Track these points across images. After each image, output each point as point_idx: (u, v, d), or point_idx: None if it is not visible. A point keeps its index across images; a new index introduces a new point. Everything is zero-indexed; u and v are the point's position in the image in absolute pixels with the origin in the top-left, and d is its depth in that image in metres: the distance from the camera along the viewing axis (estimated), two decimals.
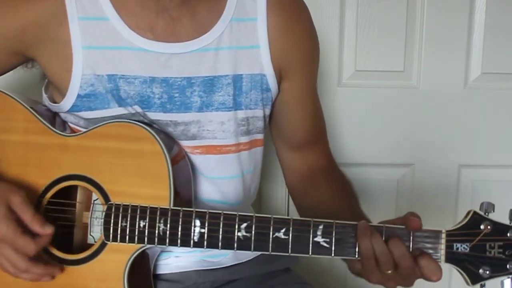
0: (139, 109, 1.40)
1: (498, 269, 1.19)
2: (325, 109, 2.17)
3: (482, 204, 1.22)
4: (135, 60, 1.39)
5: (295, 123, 1.57)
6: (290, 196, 1.67)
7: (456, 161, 2.28)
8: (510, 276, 1.20)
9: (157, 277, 1.46)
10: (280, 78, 1.49)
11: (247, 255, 1.55)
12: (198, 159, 1.45)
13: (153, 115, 1.41)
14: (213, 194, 1.48)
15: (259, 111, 1.48)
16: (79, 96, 1.39)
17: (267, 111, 1.51)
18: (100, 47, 1.38)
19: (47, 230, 1.27)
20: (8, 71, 1.50)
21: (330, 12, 2.19)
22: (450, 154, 2.27)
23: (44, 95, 1.50)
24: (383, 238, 1.21)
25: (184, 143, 1.44)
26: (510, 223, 1.20)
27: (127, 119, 1.37)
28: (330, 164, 1.63)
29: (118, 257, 1.31)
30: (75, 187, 1.39)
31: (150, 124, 1.40)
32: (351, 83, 2.24)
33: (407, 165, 2.29)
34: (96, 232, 1.37)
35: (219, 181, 1.48)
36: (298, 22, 1.51)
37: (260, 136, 1.53)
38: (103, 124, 1.36)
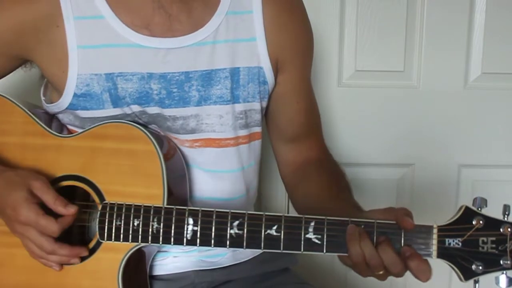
0: (134, 109, 1.41)
1: (491, 265, 1.19)
2: (325, 109, 2.19)
3: (475, 199, 1.22)
4: (132, 57, 1.39)
5: (290, 115, 1.57)
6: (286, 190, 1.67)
7: (456, 161, 2.28)
8: (504, 271, 1.19)
9: (154, 277, 1.46)
10: (276, 71, 1.50)
11: (245, 255, 1.55)
12: (198, 153, 1.46)
13: (152, 111, 1.41)
14: (213, 191, 1.48)
15: (256, 104, 1.49)
16: (75, 95, 1.40)
17: (264, 104, 1.52)
18: (96, 45, 1.39)
19: (71, 210, 1.29)
20: (7, 74, 1.51)
21: (330, 12, 2.19)
22: (450, 154, 2.27)
23: (42, 98, 1.51)
24: (374, 235, 1.21)
25: (184, 137, 1.44)
26: (503, 218, 1.20)
27: (122, 120, 1.38)
28: (324, 155, 1.63)
29: (113, 255, 1.32)
30: (74, 188, 1.39)
31: (144, 124, 1.41)
32: (351, 83, 2.24)
33: (407, 165, 2.29)
34: (93, 233, 1.37)
35: (219, 175, 1.48)
36: (293, 14, 1.52)
37: (258, 129, 1.53)
38: (98, 125, 1.37)
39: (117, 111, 1.41)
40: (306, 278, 1.64)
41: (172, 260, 1.48)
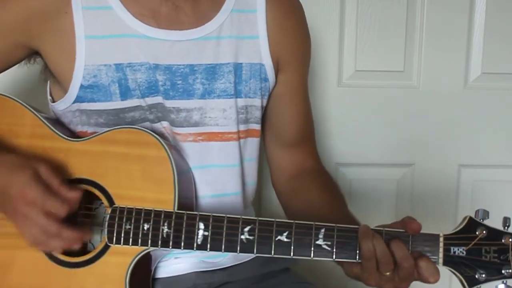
0: (143, 102, 1.42)
1: (494, 273, 1.21)
2: (325, 109, 2.20)
3: (477, 211, 1.24)
4: (139, 47, 1.41)
5: (288, 117, 1.59)
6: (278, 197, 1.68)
7: (456, 161, 2.29)
8: (505, 281, 1.21)
9: (155, 280, 1.46)
10: (277, 69, 1.52)
11: (246, 256, 1.54)
12: (201, 147, 1.46)
13: (156, 103, 1.42)
14: (215, 186, 1.49)
15: (257, 100, 1.51)
16: (82, 86, 1.40)
17: (265, 102, 1.54)
18: (104, 36, 1.40)
19: (75, 194, 1.28)
20: (13, 65, 1.50)
21: (330, 12, 2.20)
22: (450, 154, 2.28)
23: (49, 97, 1.52)
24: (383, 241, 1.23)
25: (187, 130, 1.45)
26: (504, 229, 1.22)
27: (133, 126, 1.38)
28: (318, 165, 1.65)
29: (121, 259, 1.32)
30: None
31: (151, 127, 1.42)
32: (351, 83, 2.25)
33: (407, 165, 2.30)
34: (96, 240, 1.38)
35: (221, 169, 1.49)
36: (294, 17, 1.56)
37: (257, 127, 1.54)
38: (109, 130, 1.37)
39: (125, 104, 1.42)
40: (307, 278, 1.64)
41: (174, 261, 1.48)
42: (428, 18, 2.20)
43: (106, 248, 1.33)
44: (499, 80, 2.24)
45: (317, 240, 1.24)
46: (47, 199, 1.25)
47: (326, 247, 1.24)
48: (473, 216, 1.24)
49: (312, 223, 1.25)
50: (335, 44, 2.21)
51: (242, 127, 1.50)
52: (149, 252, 1.33)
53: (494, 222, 1.24)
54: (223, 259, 1.52)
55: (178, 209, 1.31)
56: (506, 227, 1.22)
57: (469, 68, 2.24)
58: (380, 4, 2.19)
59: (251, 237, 1.26)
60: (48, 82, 1.52)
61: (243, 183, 1.55)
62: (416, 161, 2.29)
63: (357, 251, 1.23)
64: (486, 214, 1.23)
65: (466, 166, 2.30)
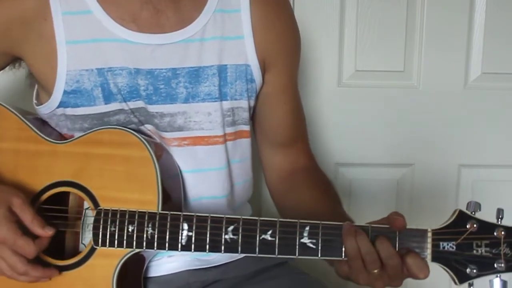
0: (125, 106, 1.41)
1: (486, 268, 1.19)
2: (325, 109, 2.19)
3: (469, 203, 1.22)
4: (120, 52, 1.39)
5: (277, 117, 1.58)
6: (271, 197, 1.67)
7: (456, 161, 2.28)
8: (498, 275, 1.19)
9: (148, 279, 1.46)
10: (264, 70, 1.51)
11: None
12: (186, 151, 1.46)
13: (139, 107, 1.42)
14: (201, 190, 1.48)
15: (244, 101, 1.49)
16: (65, 92, 1.40)
17: (252, 102, 1.52)
18: (85, 40, 1.39)
19: (48, 232, 1.28)
20: None
21: (330, 12, 2.19)
22: (450, 154, 2.27)
23: (34, 101, 1.51)
24: (369, 238, 1.21)
25: (171, 135, 1.44)
26: (497, 221, 1.20)
27: (116, 126, 1.38)
28: (311, 163, 1.63)
29: (107, 262, 1.31)
30: (68, 194, 1.39)
31: (137, 130, 1.41)
32: (351, 83, 2.24)
33: (407, 165, 2.29)
34: (87, 239, 1.37)
35: (207, 173, 1.48)
36: (280, 15, 1.53)
37: (246, 128, 1.53)
38: (92, 131, 1.37)
39: (109, 108, 1.41)
40: (305, 270, 1.64)
41: (167, 260, 1.48)
42: (428, 18, 2.19)
43: (92, 250, 1.32)
44: (499, 80, 2.23)
45: (302, 238, 1.23)
46: (18, 239, 1.25)
47: (311, 245, 1.22)
48: (464, 209, 1.21)
49: (297, 221, 1.24)
50: (335, 44, 2.21)
51: (230, 130, 1.49)
52: (137, 253, 1.32)
53: (494, 221, 1.22)
54: (217, 256, 1.52)
55: (163, 211, 1.30)
56: (499, 219, 1.20)
57: (469, 68, 2.23)
58: (380, 4, 2.18)
59: (235, 237, 1.25)
60: (36, 86, 1.52)
61: (231, 185, 1.54)
62: (416, 161, 2.28)
63: (343, 249, 1.22)
64: (478, 206, 1.21)
65: (466, 166, 2.29)
